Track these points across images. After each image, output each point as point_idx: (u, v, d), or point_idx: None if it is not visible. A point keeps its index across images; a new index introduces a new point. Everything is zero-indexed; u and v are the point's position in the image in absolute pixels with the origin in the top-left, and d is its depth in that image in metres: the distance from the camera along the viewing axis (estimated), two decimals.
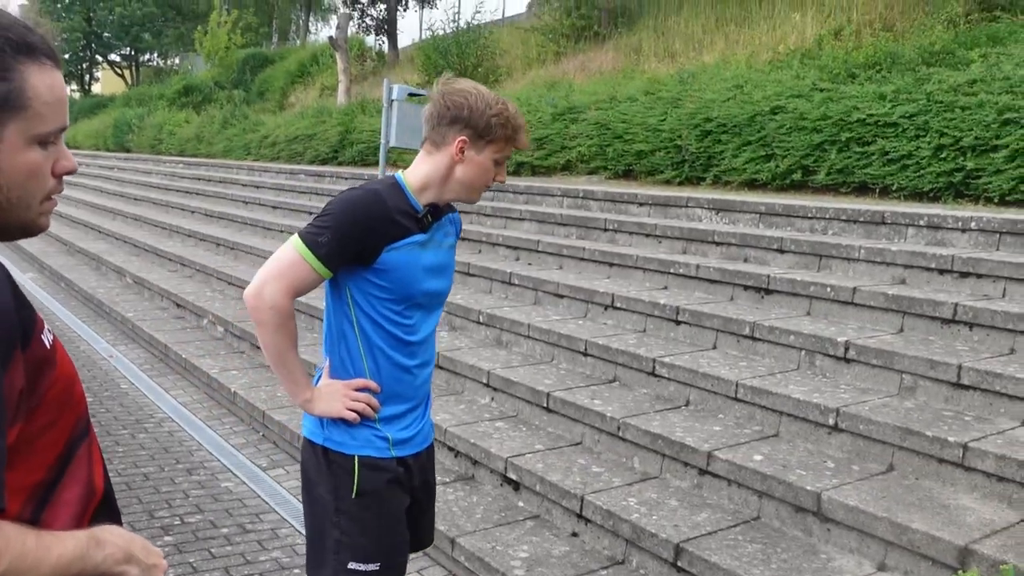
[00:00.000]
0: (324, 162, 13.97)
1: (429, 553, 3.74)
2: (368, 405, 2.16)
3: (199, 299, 7.94)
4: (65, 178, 1.16)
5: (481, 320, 5.80)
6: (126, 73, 42.13)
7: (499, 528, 3.84)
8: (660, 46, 13.02)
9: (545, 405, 4.61)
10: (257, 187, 12.67)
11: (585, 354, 5.00)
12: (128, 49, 41.80)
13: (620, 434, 4.18)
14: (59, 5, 39.61)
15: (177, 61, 40.38)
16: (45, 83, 1.07)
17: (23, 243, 13.23)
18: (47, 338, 1.13)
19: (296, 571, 3.69)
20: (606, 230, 6.77)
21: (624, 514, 3.57)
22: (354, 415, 2.15)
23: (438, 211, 2.20)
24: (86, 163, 21.86)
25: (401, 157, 12.26)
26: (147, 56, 43.14)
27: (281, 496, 4.50)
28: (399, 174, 2.19)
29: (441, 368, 5.35)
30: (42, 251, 12.41)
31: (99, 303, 8.85)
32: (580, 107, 10.04)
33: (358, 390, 2.16)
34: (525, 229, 7.49)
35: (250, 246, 9.07)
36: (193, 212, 12.19)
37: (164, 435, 5.34)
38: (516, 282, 6.23)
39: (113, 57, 42.42)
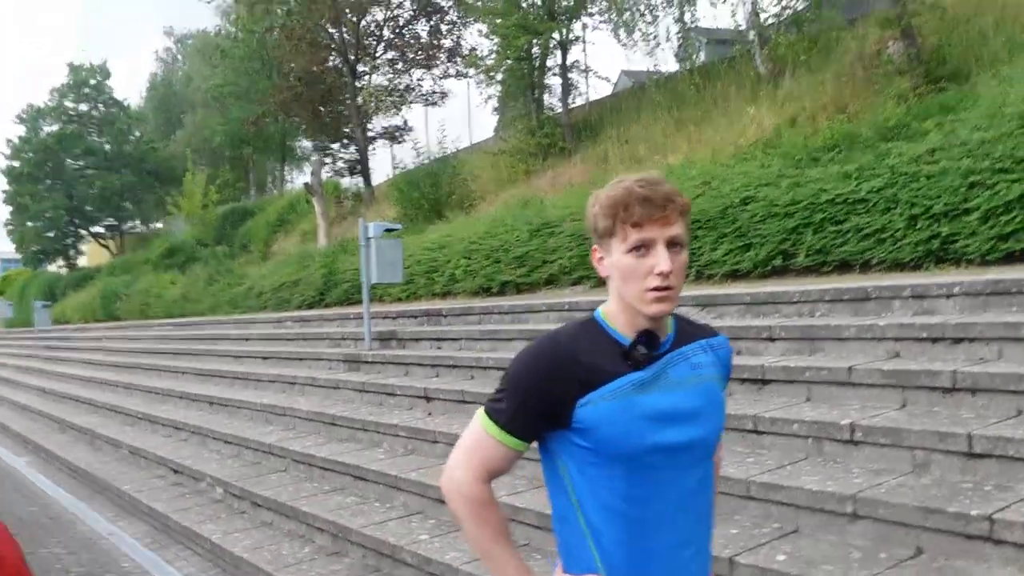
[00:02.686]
0: (311, 306, 14.04)
1: None
2: None
3: (196, 462, 7.78)
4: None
5: None
6: (111, 243, 42.78)
7: None
8: (625, 153, 13.34)
9: None
10: (246, 339, 12.65)
11: None
12: (111, 219, 42.59)
13: None
14: (40, 187, 40.51)
15: (160, 225, 41.09)
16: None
17: (14, 426, 13.08)
18: None
19: None
20: None
21: None
22: None
23: (655, 340, 1.71)
24: (75, 336, 21.88)
25: (387, 292, 12.37)
26: (130, 224, 43.93)
27: None
28: (599, 308, 1.79)
29: (444, 503, 5.20)
30: (32, 430, 12.25)
31: (95, 479, 8.67)
32: (555, 221, 10.19)
33: None
34: (514, 348, 7.45)
35: (242, 400, 8.97)
36: (184, 373, 12.12)
37: None
38: None
39: (96, 229, 43.15)
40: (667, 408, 1.69)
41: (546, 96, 16.95)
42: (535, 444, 1.78)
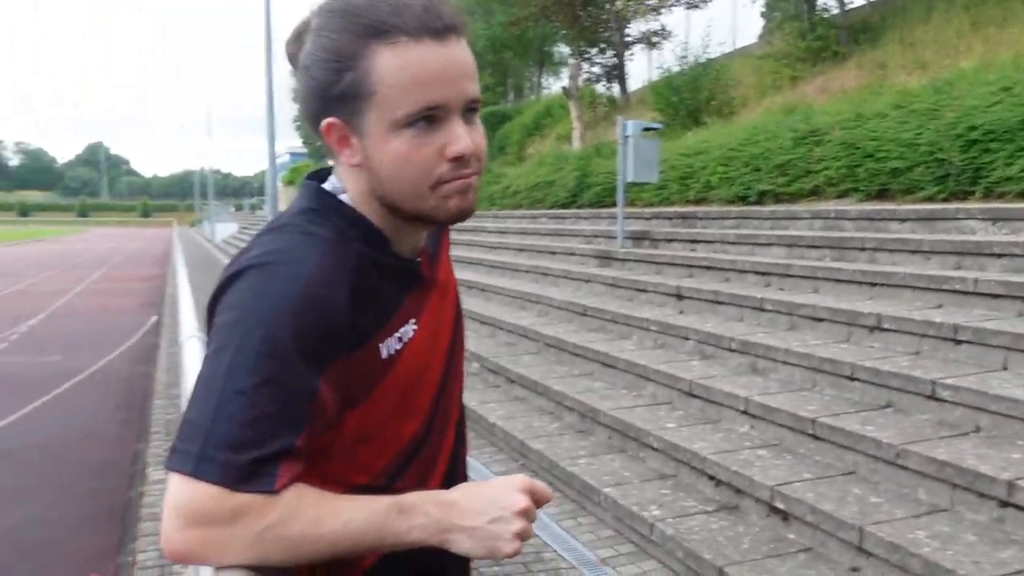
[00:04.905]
0: (564, 206, 14.32)
1: None
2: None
3: None
4: None
5: (734, 347, 5.63)
6: None
7: (769, 560, 3.67)
8: (908, 57, 12.20)
9: (810, 432, 4.37)
10: (503, 233, 13.21)
11: (851, 378, 4.70)
12: None
13: (899, 462, 3.87)
14: None
15: None
16: (391, 65, 0.99)
17: None
18: (389, 345, 1.06)
19: None
20: (863, 249, 6.38)
21: (913, 548, 3.28)
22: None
23: None
24: None
25: (639, 196, 12.35)
26: None
27: (542, 521, 4.57)
28: None
29: (695, 396, 5.25)
30: None
31: None
32: (823, 129, 9.59)
33: None
34: (773, 254, 7.23)
35: (499, 287, 9.45)
36: None
37: None
38: (768, 308, 6.01)
39: None
40: None
41: None
42: None
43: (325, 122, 1.04)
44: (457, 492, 1.03)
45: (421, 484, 1.11)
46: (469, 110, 1.05)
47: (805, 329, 5.66)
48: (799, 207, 8.48)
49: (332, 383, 0.98)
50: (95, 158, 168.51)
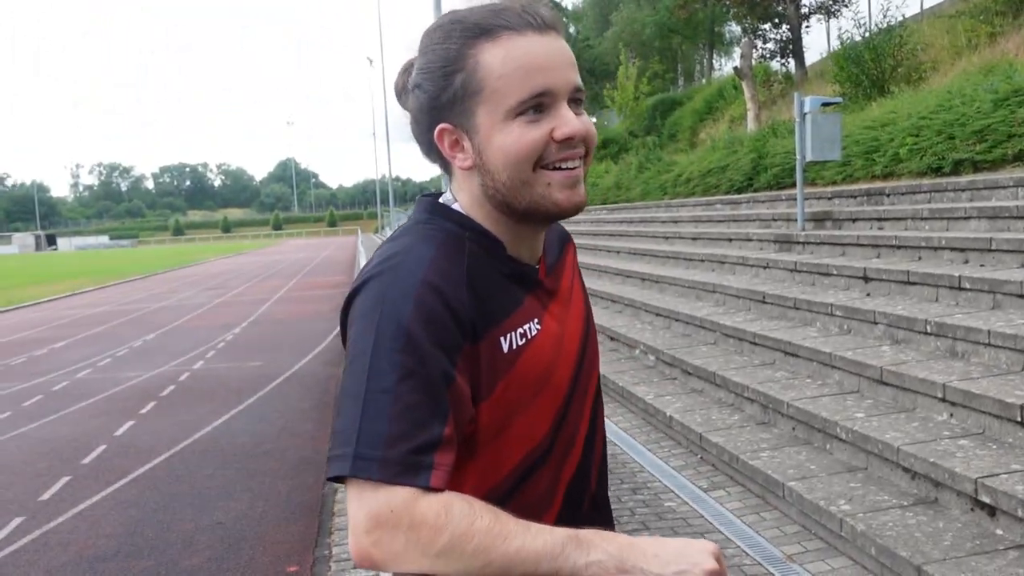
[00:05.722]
0: (739, 191, 13.87)
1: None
2: None
3: (630, 331, 8.28)
4: None
5: (929, 330, 5.24)
6: None
7: (974, 557, 3.39)
8: None
9: (1019, 419, 4.00)
10: (675, 222, 12.97)
11: None
12: None
13: None
14: None
15: (594, 119, 43.31)
16: (497, 57, 1.03)
17: None
18: (511, 340, 1.07)
19: None
20: None
21: None
22: None
23: None
24: None
25: (819, 174, 11.76)
26: None
27: (725, 517, 4.45)
28: None
29: (886, 384, 4.92)
30: None
31: None
32: None
33: None
34: (972, 228, 6.67)
35: (673, 277, 9.28)
36: (619, 252, 12.84)
37: (608, 458, 5.60)
38: (967, 286, 5.54)
39: None
40: None
41: None
42: None
43: (437, 129, 1.09)
44: (641, 538, 1.00)
45: (549, 492, 1.13)
46: (575, 100, 1.08)
47: (1011, 308, 5.18)
48: (1001, 175, 7.78)
49: (463, 373, 1.01)
50: (287, 174, 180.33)
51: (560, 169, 1.06)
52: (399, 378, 0.97)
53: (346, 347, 1.05)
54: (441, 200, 1.16)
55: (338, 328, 1.13)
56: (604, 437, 1.31)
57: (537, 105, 1.04)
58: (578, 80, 1.08)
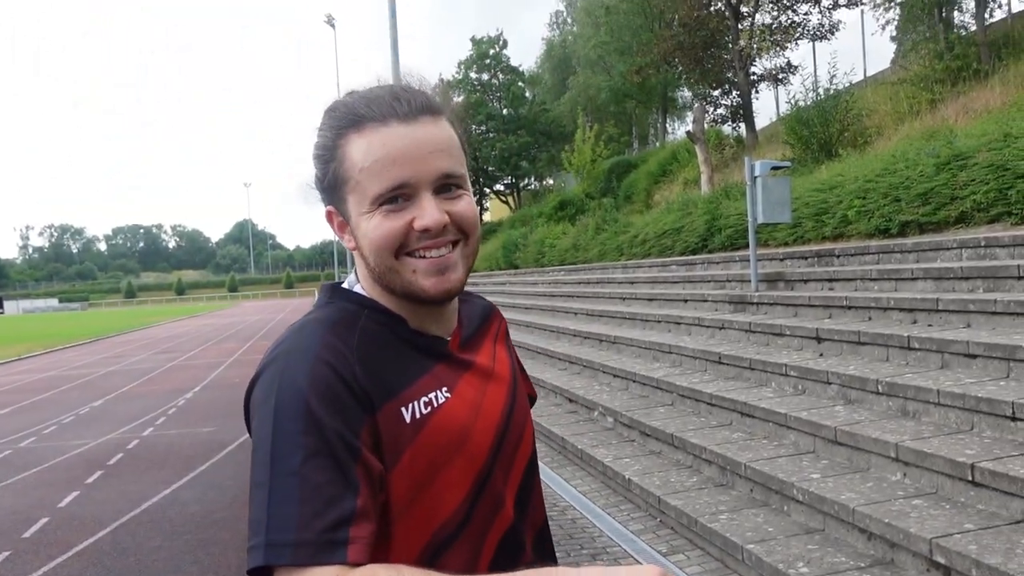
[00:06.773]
0: (694, 252, 14.08)
1: None
2: None
3: (588, 392, 8.27)
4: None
5: (880, 390, 5.31)
6: (509, 199, 46.65)
7: None
8: None
9: (970, 478, 4.04)
10: (632, 283, 13.09)
11: (1013, 418, 4.33)
12: (510, 177, 46.39)
13: None
14: None
15: (551, 181, 43.87)
16: (360, 149, 1.06)
17: None
18: (414, 409, 1.07)
19: None
20: (1020, 278, 5.92)
21: None
22: None
23: None
24: (481, 282, 24.32)
25: (771, 235, 12.00)
26: (525, 181, 47.47)
27: None
28: None
29: (841, 444, 4.96)
30: None
31: None
32: (967, 152, 9.05)
33: None
34: (919, 288, 6.82)
35: (630, 338, 9.32)
36: (576, 313, 12.89)
37: (568, 522, 5.54)
38: (916, 346, 5.65)
39: (497, 187, 47.30)
40: None
41: (956, 13, 15.08)
42: None
43: (326, 211, 1.15)
44: (586, 568, 0.92)
45: (471, 563, 1.11)
46: (446, 186, 1.10)
47: (958, 367, 5.28)
48: (945, 237, 8.00)
49: (367, 445, 1.01)
50: (243, 235, 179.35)
51: (424, 257, 1.09)
52: (303, 458, 0.96)
53: (250, 434, 1.04)
54: (346, 283, 1.20)
55: None
56: (541, 503, 1.29)
57: (396, 197, 1.07)
58: (447, 167, 1.09)
